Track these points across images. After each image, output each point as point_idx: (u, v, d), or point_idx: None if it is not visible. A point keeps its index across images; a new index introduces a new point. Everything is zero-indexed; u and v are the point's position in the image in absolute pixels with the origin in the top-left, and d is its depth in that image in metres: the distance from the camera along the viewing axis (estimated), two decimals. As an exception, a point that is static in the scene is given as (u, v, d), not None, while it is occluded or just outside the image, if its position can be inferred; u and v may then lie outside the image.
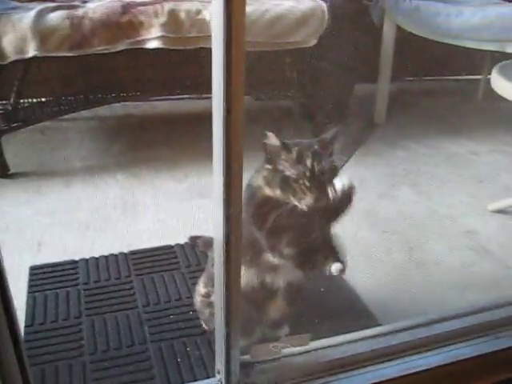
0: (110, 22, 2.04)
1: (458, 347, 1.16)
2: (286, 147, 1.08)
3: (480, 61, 3.01)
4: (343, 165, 2.33)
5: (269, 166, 1.10)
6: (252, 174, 1.15)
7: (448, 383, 1.14)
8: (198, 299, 1.37)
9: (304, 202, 1.07)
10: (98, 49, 2.07)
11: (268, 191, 1.10)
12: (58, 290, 1.54)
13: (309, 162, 1.07)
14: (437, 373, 1.12)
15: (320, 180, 1.07)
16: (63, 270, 1.63)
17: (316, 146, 1.10)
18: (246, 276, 1.17)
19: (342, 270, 1.11)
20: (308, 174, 1.06)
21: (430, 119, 2.91)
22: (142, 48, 2.14)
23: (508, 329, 1.20)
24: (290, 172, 1.07)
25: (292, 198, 1.07)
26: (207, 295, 1.30)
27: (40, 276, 1.60)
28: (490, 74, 2.01)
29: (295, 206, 1.08)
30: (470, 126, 2.82)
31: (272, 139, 1.08)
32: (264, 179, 1.10)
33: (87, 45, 2.05)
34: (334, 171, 1.12)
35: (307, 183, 1.06)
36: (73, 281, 1.58)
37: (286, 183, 1.07)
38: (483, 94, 3.13)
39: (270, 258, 1.15)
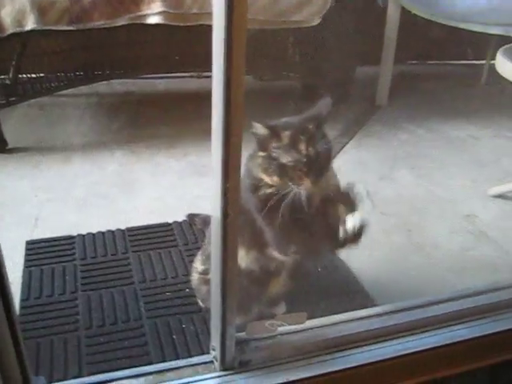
0: (110, -4, 2.01)
1: (454, 329, 1.15)
2: (275, 134, 1.05)
3: (484, 45, 2.98)
4: (344, 146, 2.32)
5: (262, 154, 1.07)
6: (247, 157, 1.12)
7: (444, 364, 1.14)
8: (194, 277, 1.36)
9: (303, 187, 1.05)
10: (98, 23, 2.05)
11: (266, 179, 1.08)
12: (54, 265, 1.54)
13: (303, 147, 1.04)
14: (432, 354, 1.11)
15: (317, 162, 1.05)
16: (60, 245, 1.62)
17: (309, 126, 1.07)
18: (250, 257, 1.17)
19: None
20: (304, 159, 1.04)
21: (433, 103, 2.89)
22: (142, 23, 2.11)
23: (505, 312, 1.20)
24: (285, 159, 1.04)
25: (290, 184, 1.05)
26: (204, 273, 1.30)
27: (36, 251, 1.59)
28: (493, 59, 1.99)
29: (297, 198, 1.05)
30: (472, 110, 2.80)
31: (259, 129, 1.05)
32: (259, 167, 1.08)
33: (87, 19, 2.02)
34: (329, 149, 1.09)
35: (304, 168, 1.04)
36: (69, 256, 1.58)
37: (282, 170, 1.05)
38: (487, 78, 3.11)
39: (276, 254, 1.15)
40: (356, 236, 1.07)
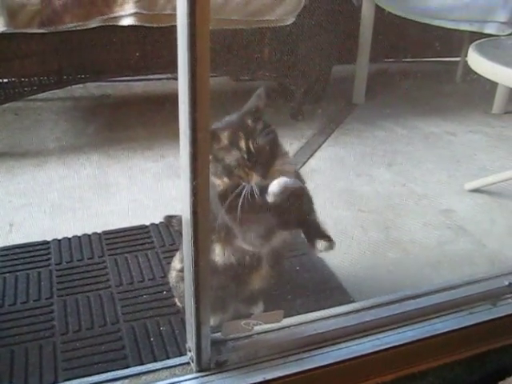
0: (82, -2, 1.99)
1: (431, 323, 1.15)
2: (214, 136, 1.05)
3: (459, 42, 3.01)
4: (321, 144, 2.32)
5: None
6: None
7: (422, 358, 1.14)
8: (173, 274, 1.35)
9: (253, 183, 1.04)
10: (70, 25, 2.02)
11: (218, 182, 1.08)
12: (29, 271, 1.51)
13: (242, 143, 1.04)
14: (410, 348, 1.11)
15: (260, 155, 1.04)
16: (35, 250, 1.60)
17: (247, 121, 1.07)
18: (225, 254, 1.16)
19: (330, 246, 1.07)
20: (246, 156, 1.04)
21: (409, 100, 2.91)
22: (115, 25, 2.09)
23: (481, 304, 1.21)
24: (228, 160, 1.04)
25: (240, 182, 1.05)
26: (182, 270, 1.28)
27: (10, 257, 1.56)
28: (467, 55, 2.01)
29: (251, 192, 1.04)
30: (447, 107, 2.83)
31: None
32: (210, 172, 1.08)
33: (59, 21, 1.99)
34: (273, 139, 1.08)
35: (249, 163, 1.04)
36: (44, 261, 1.55)
37: (228, 171, 1.05)
38: (461, 75, 3.14)
39: (244, 246, 1.15)
40: (286, 196, 1.04)
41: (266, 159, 1.05)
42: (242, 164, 1.04)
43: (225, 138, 1.05)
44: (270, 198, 1.04)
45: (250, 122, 1.07)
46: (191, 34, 0.71)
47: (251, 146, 1.04)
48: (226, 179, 1.06)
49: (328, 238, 1.08)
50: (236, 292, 1.24)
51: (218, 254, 1.16)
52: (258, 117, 1.08)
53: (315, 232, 1.10)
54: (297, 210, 1.08)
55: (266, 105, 1.10)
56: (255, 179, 1.04)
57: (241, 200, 1.04)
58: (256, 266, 1.21)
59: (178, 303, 1.36)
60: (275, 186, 1.03)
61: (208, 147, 0.77)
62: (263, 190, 1.05)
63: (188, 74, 0.72)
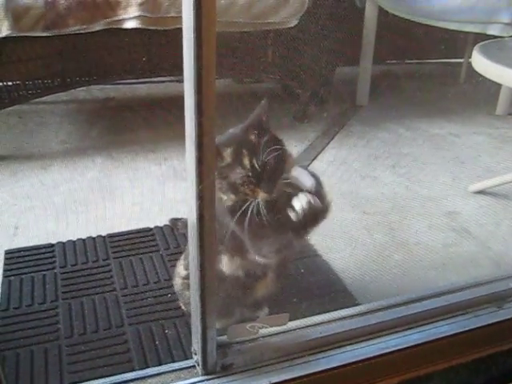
0: (86, 1, 2.00)
1: (436, 325, 1.15)
2: (217, 153, 1.01)
3: (462, 44, 3.01)
4: (325, 146, 2.32)
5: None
6: None
7: (427, 361, 1.14)
8: (177, 281, 1.35)
9: (260, 199, 1.03)
10: (74, 29, 2.03)
11: (223, 196, 1.06)
12: (34, 274, 1.51)
13: (247, 162, 1.02)
14: (415, 351, 1.11)
15: (265, 171, 1.02)
16: (40, 253, 1.60)
17: (250, 136, 1.04)
18: (234, 264, 1.16)
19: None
20: (250, 173, 1.01)
21: (412, 102, 2.90)
22: (119, 28, 2.10)
23: (486, 307, 1.20)
24: (232, 177, 1.02)
25: (248, 199, 1.03)
26: (187, 277, 1.28)
27: (16, 260, 1.56)
28: (471, 57, 2.00)
29: (258, 208, 1.03)
30: (451, 108, 2.82)
31: None
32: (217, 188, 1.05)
33: (63, 24, 2.00)
34: (278, 154, 1.04)
35: (254, 180, 1.02)
36: (49, 264, 1.55)
37: (234, 188, 1.03)
38: (465, 77, 3.13)
39: (258, 258, 1.13)
40: (310, 215, 1.02)
41: (272, 174, 1.03)
42: (246, 182, 1.02)
43: (228, 155, 1.03)
44: (295, 216, 1.01)
45: (253, 137, 1.04)
46: (197, 37, 0.71)
47: (255, 163, 1.01)
48: (231, 196, 1.04)
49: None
50: (241, 298, 1.24)
51: (226, 265, 1.15)
52: (261, 130, 1.05)
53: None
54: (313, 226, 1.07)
55: (270, 111, 1.09)
56: (261, 196, 1.02)
57: (248, 217, 1.02)
58: (262, 275, 1.21)
59: (184, 308, 1.35)
60: (299, 203, 1.01)
61: (214, 151, 0.77)
62: (270, 205, 1.03)
63: (194, 78, 0.72)
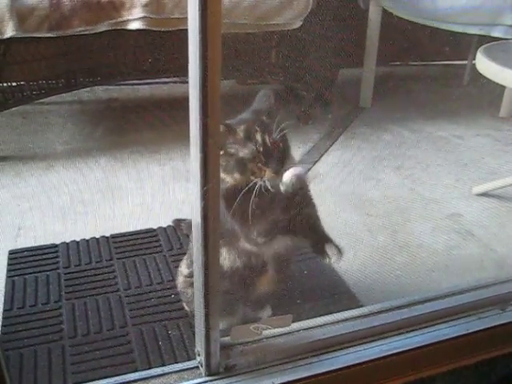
0: (90, 2, 2.00)
1: (439, 328, 1.15)
2: (230, 129, 1.04)
3: (466, 46, 3.00)
4: (328, 148, 2.32)
5: (220, 152, 1.06)
6: None
7: (430, 363, 1.14)
8: (180, 280, 1.35)
9: (266, 178, 1.04)
10: (78, 29, 2.03)
11: (227, 178, 1.06)
12: (37, 274, 1.51)
13: (259, 137, 1.04)
14: (418, 353, 1.11)
15: (275, 151, 1.04)
16: (43, 253, 1.60)
17: (262, 117, 1.07)
18: (232, 258, 1.16)
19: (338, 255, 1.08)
20: (261, 148, 1.03)
21: (416, 104, 2.90)
22: (124, 29, 2.10)
23: (490, 309, 1.20)
24: (242, 153, 1.04)
25: (252, 178, 1.04)
26: (190, 275, 1.28)
27: (19, 260, 1.57)
28: (475, 59, 2.00)
29: (257, 189, 1.04)
30: (455, 110, 2.81)
31: None
32: (220, 167, 1.07)
33: (67, 25, 2.00)
34: (286, 138, 1.08)
35: (263, 158, 1.03)
36: (53, 265, 1.56)
37: (241, 165, 1.04)
38: (469, 79, 3.12)
39: (247, 245, 1.14)
40: (298, 186, 1.04)
41: (280, 156, 1.05)
42: (257, 158, 1.03)
43: (241, 131, 1.05)
44: (283, 187, 1.03)
45: (264, 118, 1.07)
46: (203, 38, 0.71)
47: (267, 139, 1.03)
48: (236, 175, 1.05)
49: (338, 249, 1.08)
50: (243, 296, 1.24)
51: (224, 258, 1.16)
52: (271, 115, 1.08)
53: (323, 239, 1.10)
54: (306, 205, 1.08)
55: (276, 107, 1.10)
56: (268, 175, 1.03)
57: (253, 196, 1.03)
58: (262, 269, 1.21)
59: (186, 308, 1.36)
60: (289, 174, 1.03)
61: (218, 153, 0.77)
62: (275, 187, 1.05)
63: (199, 79, 0.73)
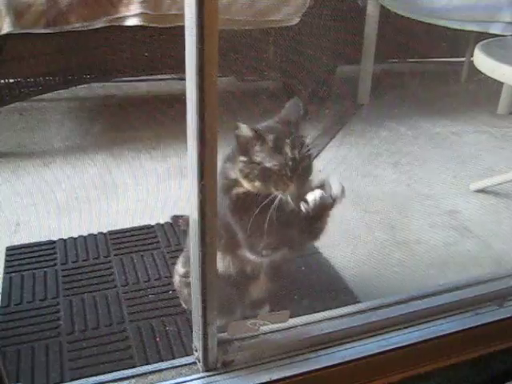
0: (87, -2, 1.99)
1: (437, 323, 1.15)
2: (259, 137, 1.01)
3: (464, 42, 3.00)
4: (326, 145, 2.32)
5: (244, 158, 1.03)
6: (223, 160, 1.09)
7: (427, 359, 1.14)
8: (176, 279, 1.35)
9: (287, 193, 1.02)
10: (75, 26, 2.03)
11: (246, 185, 1.04)
12: (35, 271, 1.51)
13: (288, 150, 1.00)
14: (416, 349, 1.11)
15: (300, 166, 1.01)
16: (41, 250, 1.60)
17: (291, 129, 1.04)
18: (227, 261, 1.16)
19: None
20: (290, 163, 1.00)
21: (414, 100, 2.90)
22: (121, 25, 2.09)
23: (487, 305, 1.20)
24: (270, 163, 1.00)
25: (273, 190, 1.02)
26: (186, 275, 1.28)
27: (17, 256, 1.57)
28: (473, 55, 2.00)
29: (283, 203, 1.02)
30: (452, 107, 2.82)
31: (244, 131, 1.01)
32: (241, 172, 1.04)
33: (64, 21, 2.00)
34: (310, 152, 1.05)
35: (289, 173, 1.00)
36: (50, 261, 1.56)
37: (266, 175, 1.01)
38: (467, 76, 3.13)
39: (249, 255, 1.13)
40: (318, 210, 1.02)
41: (305, 172, 1.03)
42: (283, 171, 1.00)
43: (270, 140, 1.01)
44: (305, 207, 1.02)
45: (294, 131, 1.04)
46: (199, 34, 0.71)
47: (296, 154, 1.00)
48: (258, 184, 1.03)
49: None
50: (240, 297, 1.24)
51: (220, 261, 1.15)
52: (299, 127, 1.06)
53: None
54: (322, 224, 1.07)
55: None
56: (291, 189, 1.01)
57: (271, 209, 1.01)
58: (261, 273, 1.21)
59: (184, 305, 1.36)
60: (313, 196, 1.02)
61: (216, 149, 0.77)
62: (295, 204, 1.03)
63: (196, 75, 0.72)
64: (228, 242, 1.12)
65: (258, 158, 1.02)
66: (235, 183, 1.06)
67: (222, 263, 1.15)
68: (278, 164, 1.00)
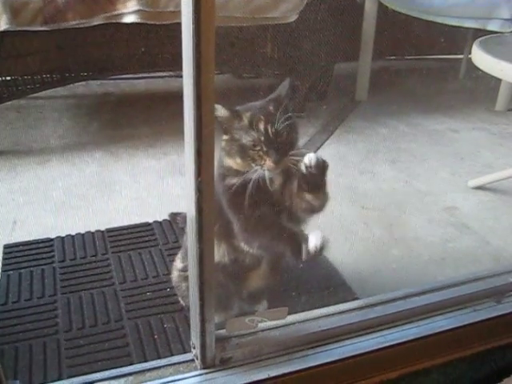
0: (84, -5, 1.99)
1: (435, 320, 1.15)
2: (236, 115, 1.06)
3: (462, 39, 3.00)
4: (324, 142, 2.32)
5: (226, 137, 1.08)
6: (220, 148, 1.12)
7: (426, 355, 1.14)
8: (175, 274, 1.35)
9: (265, 167, 1.04)
10: (72, 23, 2.02)
11: (229, 161, 1.08)
12: (32, 268, 1.51)
13: (261, 126, 1.04)
14: (414, 345, 1.11)
15: (277, 141, 1.05)
16: (38, 248, 1.60)
17: (269, 107, 1.08)
18: (227, 251, 1.16)
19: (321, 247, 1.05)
20: (262, 138, 1.04)
21: (412, 97, 2.90)
22: (118, 23, 2.09)
23: (485, 301, 1.20)
24: (245, 140, 1.05)
25: (253, 165, 1.05)
26: (184, 270, 1.28)
27: (14, 254, 1.56)
28: (471, 52, 2.00)
29: (261, 179, 1.04)
30: (451, 104, 2.82)
31: (220, 111, 1.05)
32: (223, 150, 1.09)
33: (61, 19, 1.99)
34: (291, 128, 1.08)
35: (264, 147, 1.04)
36: (48, 259, 1.55)
37: (243, 151, 1.05)
38: (465, 73, 3.13)
39: (243, 245, 1.15)
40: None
41: (282, 147, 1.05)
42: (258, 145, 1.04)
43: (246, 117, 1.06)
44: (303, 169, 1.04)
45: (271, 107, 1.08)
46: (196, 31, 0.71)
47: (270, 130, 1.04)
48: (238, 159, 1.06)
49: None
50: (237, 289, 1.24)
51: (218, 251, 1.15)
52: (279, 104, 1.08)
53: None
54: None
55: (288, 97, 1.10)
56: (268, 164, 1.04)
57: (250, 184, 1.04)
58: (257, 264, 1.21)
59: (182, 302, 1.35)
60: (309, 157, 1.03)
61: (213, 144, 0.77)
62: (273, 178, 1.06)
63: (193, 72, 0.72)
64: (224, 231, 1.13)
65: (236, 135, 1.06)
66: (228, 171, 1.09)
67: (218, 252, 1.16)
68: (252, 140, 1.04)
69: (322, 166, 1.05)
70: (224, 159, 1.10)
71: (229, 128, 1.07)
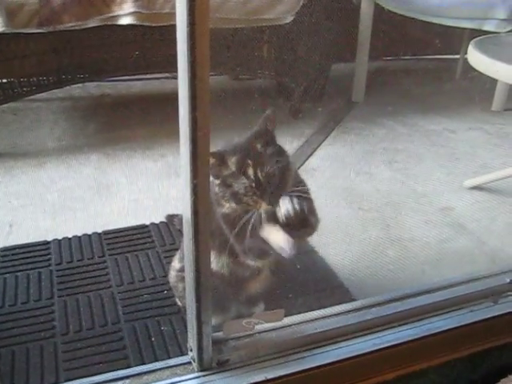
0: (80, -3, 1.99)
1: (431, 321, 1.15)
2: (222, 162, 1.03)
3: (458, 40, 3.01)
4: (320, 143, 2.32)
5: (217, 182, 1.05)
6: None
7: (423, 356, 1.14)
8: (172, 274, 1.35)
9: (262, 210, 1.03)
10: (68, 25, 2.02)
11: (226, 205, 1.06)
12: (29, 271, 1.51)
13: (250, 172, 1.01)
14: (411, 346, 1.12)
15: (270, 183, 1.02)
16: (35, 250, 1.59)
17: (256, 146, 1.04)
18: (226, 262, 1.16)
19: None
20: (253, 184, 1.01)
21: (408, 98, 2.90)
22: (114, 25, 2.09)
23: (482, 302, 1.21)
24: (236, 187, 1.02)
25: (249, 209, 1.03)
26: (182, 270, 1.28)
27: (11, 257, 1.56)
28: (467, 52, 2.00)
29: (260, 218, 1.04)
30: (447, 104, 2.82)
31: None
32: (217, 195, 1.06)
33: (57, 21, 1.99)
34: (282, 166, 1.04)
35: (257, 192, 1.01)
36: (45, 262, 1.55)
37: (236, 197, 1.03)
38: (461, 73, 3.13)
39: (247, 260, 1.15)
40: (297, 216, 1.02)
41: (276, 187, 1.02)
42: (250, 192, 1.01)
43: (232, 164, 1.03)
44: (284, 219, 1.02)
45: (259, 146, 1.04)
46: (191, 32, 0.71)
47: (259, 174, 1.01)
48: (233, 205, 1.04)
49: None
50: (236, 295, 1.24)
51: (220, 266, 1.16)
52: (267, 141, 1.05)
53: None
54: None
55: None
56: (264, 207, 1.02)
57: (249, 227, 1.02)
58: (256, 274, 1.21)
59: (179, 303, 1.35)
60: (286, 208, 1.02)
61: (208, 147, 0.77)
62: (272, 217, 1.04)
63: (188, 73, 0.72)
64: (225, 247, 1.12)
65: (227, 182, 1.04)
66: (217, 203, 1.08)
67: (216, 262, 1.16)
68: (243, 187, 1.01)
69: (300, 211, 1.02)
70: (220, 201, 1.07)
71: (218, 174, 1.04)
